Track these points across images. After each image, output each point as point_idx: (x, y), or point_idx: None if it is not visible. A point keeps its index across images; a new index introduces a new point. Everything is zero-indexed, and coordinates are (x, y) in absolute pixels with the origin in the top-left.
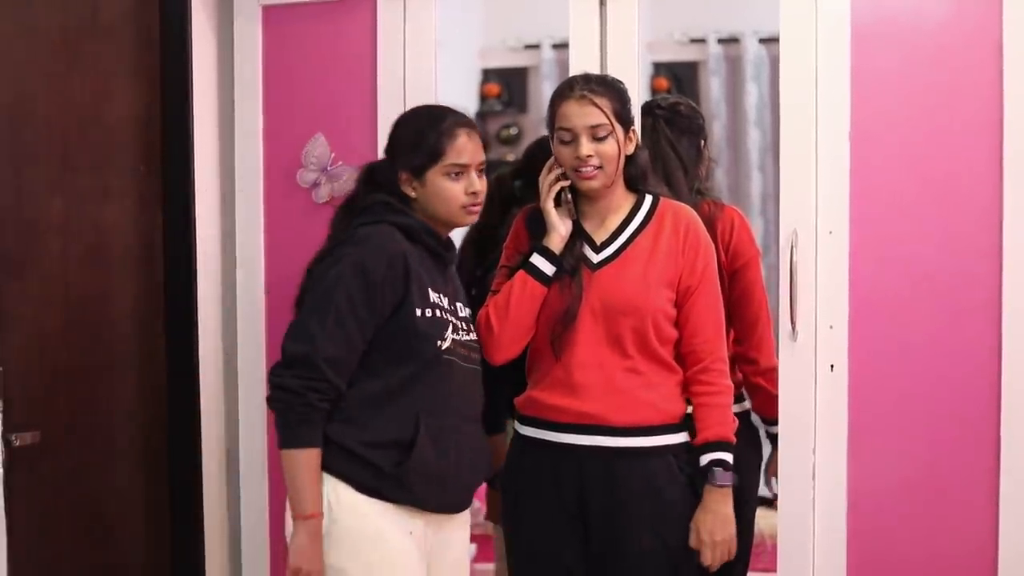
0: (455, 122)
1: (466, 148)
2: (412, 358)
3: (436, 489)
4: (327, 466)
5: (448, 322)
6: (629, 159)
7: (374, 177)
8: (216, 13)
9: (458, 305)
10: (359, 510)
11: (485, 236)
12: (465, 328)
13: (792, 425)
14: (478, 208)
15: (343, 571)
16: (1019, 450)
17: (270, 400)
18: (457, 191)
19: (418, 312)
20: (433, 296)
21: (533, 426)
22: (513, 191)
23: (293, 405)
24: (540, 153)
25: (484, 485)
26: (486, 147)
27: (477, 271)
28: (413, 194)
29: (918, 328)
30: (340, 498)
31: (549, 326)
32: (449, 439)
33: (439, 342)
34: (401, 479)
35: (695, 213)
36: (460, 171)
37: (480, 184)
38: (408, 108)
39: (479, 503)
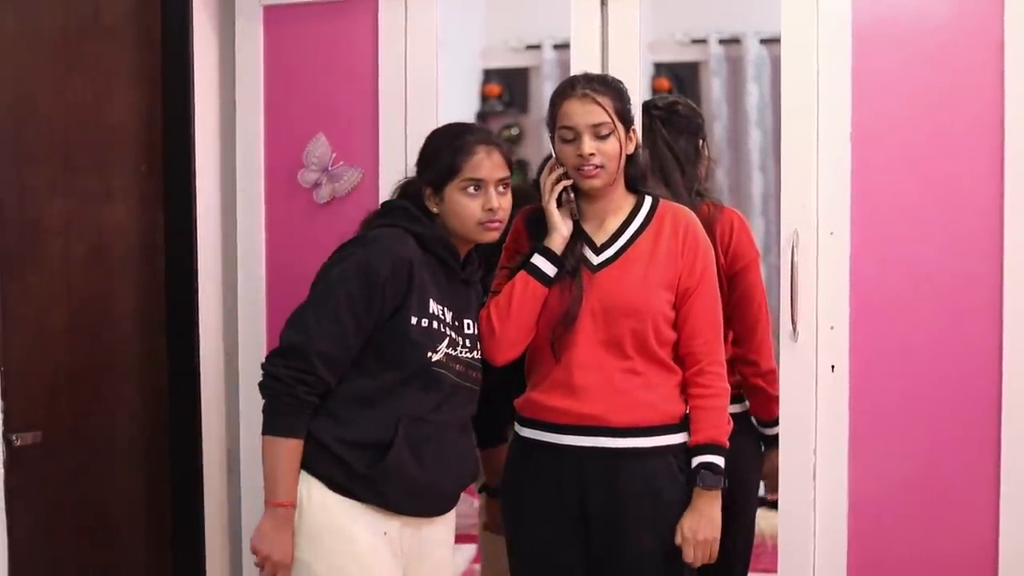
0: (474, 139)
1: (483, 164)
2: (401, 364)
3: (410, 494)
4: (304, 463)
5: (444, 335)
6: (629, 159)
7: (407, 189)
8: (217, 13)
9: (466, 322)
10: (329, 508)
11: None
12: (467, 346)
13: (793, 426)
14: (497, 224)
15: (310, 567)
16: (1020, 451)
17: (260, 386)
18: (473, 208)
19: (413, 320)
20: (434, 307)
21: (533, 428)
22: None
23: (280, 395)
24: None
25: (483, 495)
26: (510, 164)
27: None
28: (435, 210)
29: (919, 329)
30: (312, 495)
31: (549, 327)
32: (430, 446)
33: (429, 353)
34: (374, 480)
35: (694, 215)
36: (477, 187)
37: (499, 201)
38: (440, 124)
39: (476, 504)
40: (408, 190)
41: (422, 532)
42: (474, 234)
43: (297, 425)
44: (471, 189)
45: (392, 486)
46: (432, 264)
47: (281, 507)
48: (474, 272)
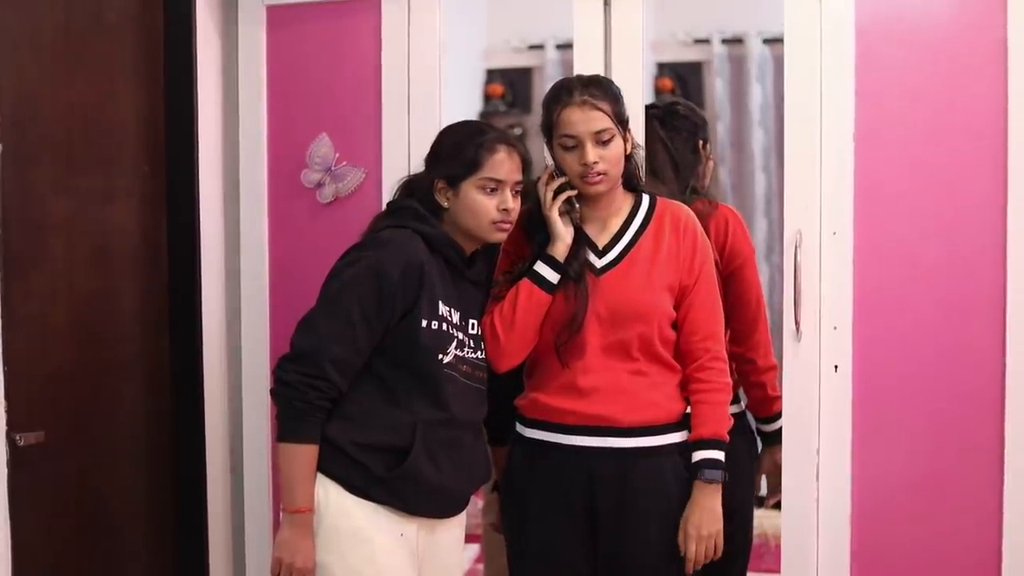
0: (496, 137)
1: (503, 165)
2: (412, 367)
3: (427, 497)
4: (320, 465)
5: (453, 337)
6: (626, 159)
7: (411, 186)
8: (220, 13)
9: (471, 322)
10: (346, 510)
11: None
12: (473, 346)
13: (796, 426)
14: (509, 226)
15: (328, 568)
16: (1023, 450)
17: (273, 392)
18: (489, 206)
19: (424, 323)
20: (443, 309)
21: (538, 428)
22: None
23: (293, 401)
24: None
25: (493, 495)
26: (526, 168)
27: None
28: (446, 204)
29: (922, 328)
30: (329, 497)
31: (554, 332)
32: (445, 450)
33: (440, 355)
34: (391, 484)
35: (692, 212)
36: (495, 186)
37: (514, 203)
38: (456, 121)
39: (480, 504)
40: (413, 187)
41: (436, 532)
42: (486, 232)
43: (311, 430)
44: (489, 188)
45: (410, 490)
46: (440, 265)
47: (299, 513)
48: (480, 272)
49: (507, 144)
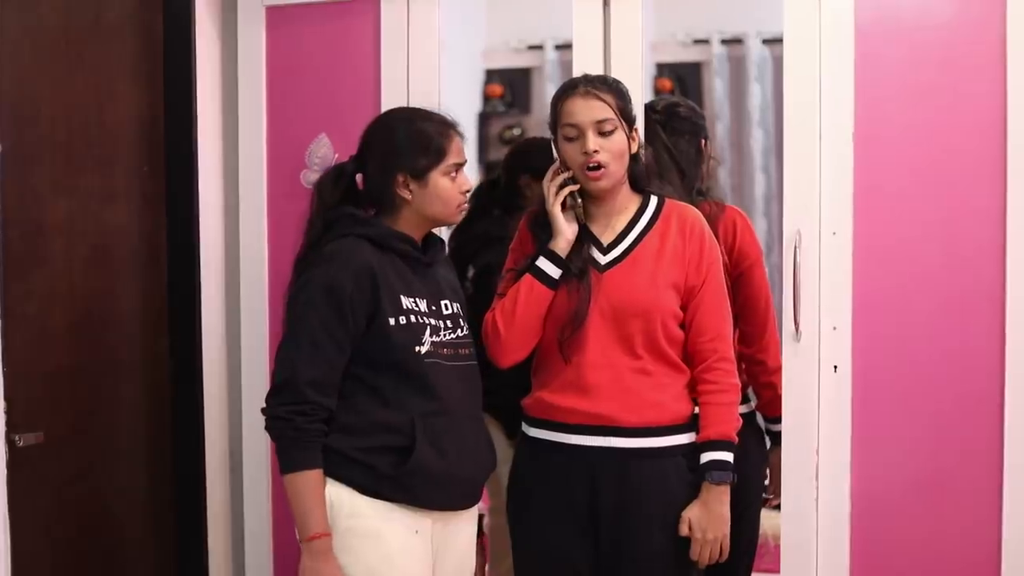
0: (447, 123)
1: (460, 147)
2: (393, 366)
3: (438, 490)
4: (328, 471)
5: (425, 325)
6: (632, 159)
7: (334, 191)
8: (220, 14)
9: (442, 304)
10: (359, 511)
11: (467, 240)
12: (449, 327)
13: (796, 426)
14: (466, 206)
15: (344, 569)
16: (1023, 450)
17: (266, 430)
18: (455, 190)
19: (391, 321)
20: (406, 302)
21: (543, 428)
22: (498, 196)
23: (284, 432)
24: (517, 159)
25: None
26: None
27: (467, 271)
28: (409, 196)
29: (922, 329)
30: (341, 500)
31: (557, 328)
32: (448, 438)
33: (417, 347)
34: (401, 481)
35: (700, 213)
36: (456, 170)
37: (469, 183)
38: (384, 112)
39: (484, 506)
40: (341, 192)
41: (449, 526)
42: (452, 216)
43: (310, 457)
44: (453, 173)
45: (419, 483)
46: (392, 260)
47: (316, 539)
48: (436, 253)
49: (453, 126)
